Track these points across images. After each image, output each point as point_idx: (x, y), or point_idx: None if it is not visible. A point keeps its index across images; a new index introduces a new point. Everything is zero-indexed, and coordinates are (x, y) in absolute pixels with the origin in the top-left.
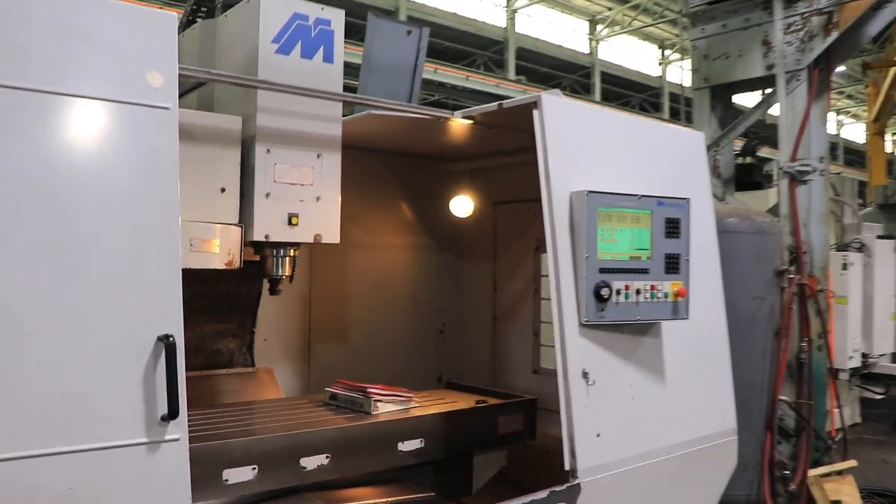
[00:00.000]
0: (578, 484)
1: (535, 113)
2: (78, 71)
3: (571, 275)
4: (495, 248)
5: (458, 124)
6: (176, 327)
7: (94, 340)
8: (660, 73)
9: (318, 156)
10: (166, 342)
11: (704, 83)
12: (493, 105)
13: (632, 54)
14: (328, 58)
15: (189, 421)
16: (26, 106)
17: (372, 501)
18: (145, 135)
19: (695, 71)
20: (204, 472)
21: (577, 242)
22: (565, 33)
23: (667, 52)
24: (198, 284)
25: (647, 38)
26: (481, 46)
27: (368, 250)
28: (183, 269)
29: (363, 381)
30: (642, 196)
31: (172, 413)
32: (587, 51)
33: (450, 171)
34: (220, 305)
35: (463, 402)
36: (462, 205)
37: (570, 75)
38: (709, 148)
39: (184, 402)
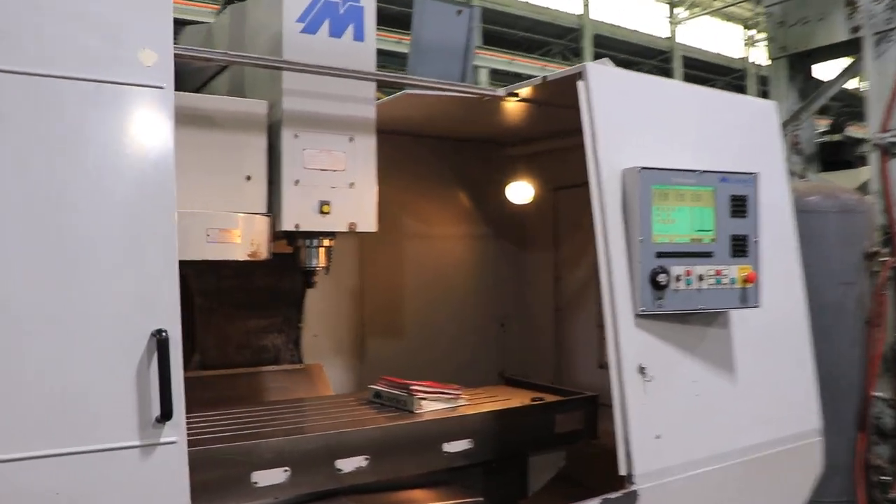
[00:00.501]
0: (635, 491)
1: (580, 84)
2: (62, 49)
3: (625, 260)
4: (556, 236)
5: (507, 103)
6: (172, 322)
7: (83, 336)
8: (744, 55)
9: (351, 139)
10: (159, 338)
11: (781, 53)
12: (538, 78)
13: (713, 36)
14: (358, 36)
15: (219, 420)
16: (5, 89)
17: None
18: (137, 118)
19: (771, 40)
20: (231, 473)
21: (631, 224)
22: (643, 18)
23: (751, 31)
24: (236, 278)
25: (730, 18)
26: (556, 35)
27: (422, 240)
28: (219, 263)
29: (419, 377)
30: (703, 171)
31: (166, 414)
32: (666, 35)
33: (506, 155)
34: (262, 300)
35: (518, 399)
36: (520, 191)
37: (650, 61)
38: (788, 122)
39: (180, 403)
